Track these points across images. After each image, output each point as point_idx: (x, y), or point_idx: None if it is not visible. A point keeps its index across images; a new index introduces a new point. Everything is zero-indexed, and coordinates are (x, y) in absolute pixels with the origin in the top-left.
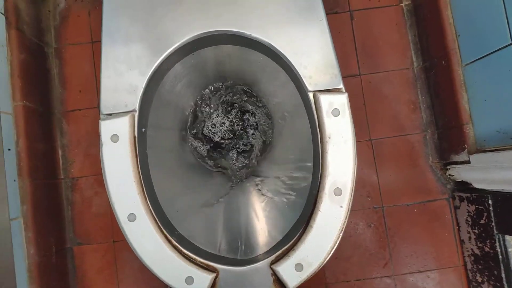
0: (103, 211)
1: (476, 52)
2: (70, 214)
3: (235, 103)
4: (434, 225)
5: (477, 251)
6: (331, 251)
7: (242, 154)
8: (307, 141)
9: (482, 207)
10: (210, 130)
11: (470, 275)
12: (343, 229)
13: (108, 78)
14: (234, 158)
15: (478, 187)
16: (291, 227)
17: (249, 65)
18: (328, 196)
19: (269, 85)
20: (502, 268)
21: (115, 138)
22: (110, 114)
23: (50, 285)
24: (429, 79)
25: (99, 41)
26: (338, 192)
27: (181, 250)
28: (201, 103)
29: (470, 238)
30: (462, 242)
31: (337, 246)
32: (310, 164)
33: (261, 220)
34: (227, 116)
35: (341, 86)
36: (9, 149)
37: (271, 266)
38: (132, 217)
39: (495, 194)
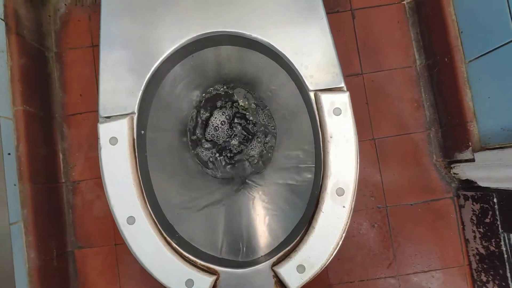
0: (104, 214)
1: (480, 48)
2: (71, 217)
3: (236, 105)
4: (438, 224)
5: (482, 250)
6: (333, 252)
7: (244, 155)
8: (308, 141)
9: (487, 205)
10: (213, 133)
11: (475, 274)
12: (346, 230)
13: (107, 80)
14: (235, 160)
15: (482, 186)
16: (293, 228)
17: (249, 66)
18: (330, 196)
19: (269, 85)
20: (507, 267)
21: (113, 140)
22: (109, 117)
23: None
24: (432, 77)
25: (99, 45)
26: (340, 192)
27: (181, 253)
28: (201, 104)
29: (475, 237)
30: (467, 241)
31: (340, 247)
32: (312, 164)
33: (263, 221)
34: (228, 118)
35: (343, 85)
36: (9, 154)
37: (273, 268)
38: (131, 220)
39: (500, 192)
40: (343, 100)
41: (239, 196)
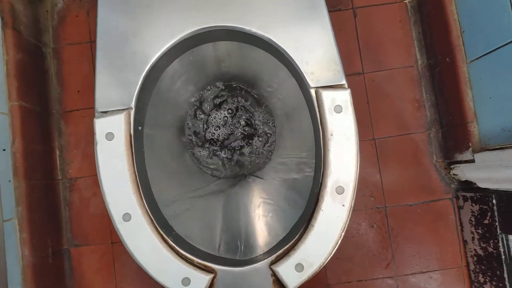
0: (101, 212)
1: (481, 48)
2: (68, 215)
3: (236, 102)
4: (437, 225)
5: (480, 252)
6: (332, 251)
7: (243, 153)
8: (309, 139)
9: (486, 206)
10: (212, 131)
11: (472, 275)
12: (345, 229)
13: (103, 74)
14: (234, 158)
15: (482, 187)
16: (292, 227)
17: (249, 62)
18: (330, 194)
19: (270, 82)
20: (505, 268)
21: (110, 136)
22: (105, 112)
23: (46, 287)
24: (434, 77)
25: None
26: (340, 190)
27: (177, 251)
28: (200, 101)
29: (473, 238)
30: (465, 242)
31: (339, 246)
32: (311, 162)
33: (261, 219)
34: (227, 116)
35: (344, 82)
36: (4, 150)
37: (271, 267)
38: (127, 217)
39: (499, 194)
40: (344, 97)
41: (237, 194)
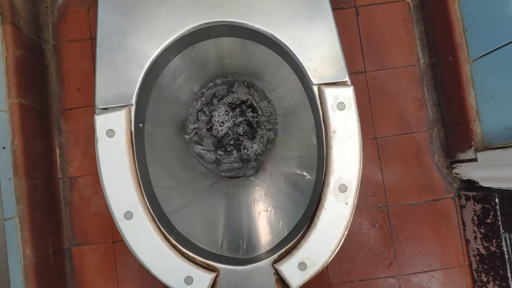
0: (102, 210)
1: (484, 47)
2: (68, 214)
3: (237, 99)
4: (439, 224)
5: (482, 251)
6: (335, 249)
7: (245, 151)
8: (311, 136)
9: (488, 206)
10: (213, 128)
11: (475, 275)
12: (348, 227)
13: (103, 71)
14: (237, 156)
15: (484, 186)
16: (295, 225)
17: (251, 58)
18: (333, 192)
19: (272, 79)
20: (508, 267)
21: (110, 133)
22: (106, 108)
23: (47, 286)
24: (436, 76)
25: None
26: (343, 188)
27: (180, 249)
28: (202, 98)
29: (475, 237)
30: (467, 241)
31: (342, 244)
32: (314, 159)
33: (264, 218)
34: (229, 113)
35: (347, 79)
36: (3, 147)
37: (274, 265)
38: (129, 215)
39: (502, 193)
40: (347, 94)
41: (239, 192)
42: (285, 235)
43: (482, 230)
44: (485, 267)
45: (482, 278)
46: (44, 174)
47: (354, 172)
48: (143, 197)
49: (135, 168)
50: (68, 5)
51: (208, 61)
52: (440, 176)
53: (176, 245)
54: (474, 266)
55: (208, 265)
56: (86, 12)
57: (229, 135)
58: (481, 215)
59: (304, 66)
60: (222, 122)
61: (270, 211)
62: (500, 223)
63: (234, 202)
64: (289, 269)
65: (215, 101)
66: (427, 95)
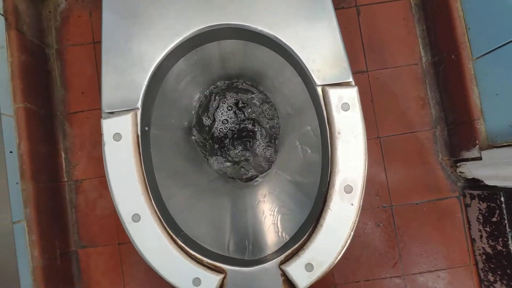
0: (108, 213)
1: (487, 45)
2: (75, 216)
3: (241, 100)
4: (444, 223)
5: (489, 250)
6: (342, 250)
7: (250, 152)
8: (315, 137)
9: (494, 204)
10: (218, 130)
11: (481, 274)
12: (354, 228)
13: (109, 75)
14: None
15: (489, 184)
16: (300, 226)
17: (254, 61)
18: (338, 193)
19: (275, 81)
20: None
21: (117, 137)
22: (112, 113)
23: None
24: (438, 74)
25: (100, 42)
26: (348, 189)
27: (187, 251)
28: (206, 100)
29: (481, 236)
30: (473, 240)
31: (348, 245)
32: (318, 161)
33: (269, 219)
34: (233, 114)
35: (351, 79)
36: (11, 152)
37: (281, 266)
38: (136, 218)
39: (508, 191)
40: (351, 95)
41: (244, 194)
42: (290, 236)
43: (488, 229)
44: (492, 266)
45: (489, 278)
46: (50, 178)
47: (359, 172)
48: (150, 200)
49: (142, 171)
50: (71, 10)
51: (211, 63)
52: (444, 175)
53: (183, 247)
54: (480, 265)
55: (216, 266)
56: (88, 16)
57: (232, 137)
58: (486, 214)
59: (308, 67)
60: (225, 125)
61: (275, 212)
62: (506, 221)
63: (239, 203)
64: (296, 270)
65: (218, 103)
66: (430, 94)
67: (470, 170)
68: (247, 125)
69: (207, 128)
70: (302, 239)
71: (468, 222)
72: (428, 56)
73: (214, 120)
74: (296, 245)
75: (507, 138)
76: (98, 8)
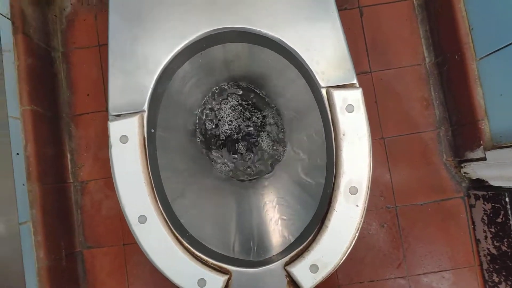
0: (113, 214)
1: (491, 45)
2: (80, 217)
3: (245, 103)
4: (448, 224)
5: (493, 251)
6: (347, 251)
7: (253, 154)
8: (319, 139)
9: (498, 205)
10: (222, 132)
11: (486, 275)
12: (359, 229)
13: (116, 78)
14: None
15: (494, 185)
16: (305, 227)
17: (258, 63)
18: (343, 195)
19: (279, 83)
20: None
21: (124, 139)
22: (119, 115)
23: None
24: (442, 75)
25: (106, 44)
26: (353, 190)
27: (192, 252)
28: (210, 102)
29: (486, 237)
30: (477, 241)
31: (353, 246)
32: (323, 162)
33: (274, 220)
34: (237, 116)
35: (355, 81)
36: (17, 154)
37: (285, 268)
38: (142, 219)
39: None
40: (355, 96)
41: (249, 195)
42: (295, 237)
43: (493, 230)
44: (497, 267)
45: (493, 278)
46: (56, 179)
47: (364, 174)
48: (156, 201)
49: (148, 173)
50: (76, 13)
51: (216, 66)
52: (449, 176)
53: (189, 248)
54: (485, 266)
55: (221, 267)
56: (94, 19)
57: (237, 138)
58: (491, 215)
59: (312, 69)
60: (229, 126)
61: (280, 213)
62: (511, 222)
63: (244, 204)
64: (301, 271)
65: (223, 105)
66: (433, 94)
67: (475, 170)
68: (251, 126)
69: (211, 130)
70: (307, 240)
71: (473, 223)
72: (431, 57)
73: (218, 122)
74: (301, 246)
75: None
76: (103, 11)
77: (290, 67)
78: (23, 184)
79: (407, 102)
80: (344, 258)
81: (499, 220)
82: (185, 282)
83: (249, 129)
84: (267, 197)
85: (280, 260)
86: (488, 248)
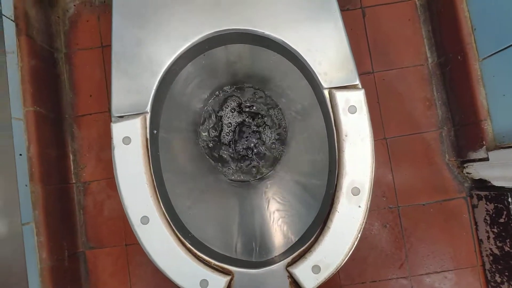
0: (115, 214)
1: (494, 45)
2: (83, 218)
3: (248, 104)
4: (451, 224)
5: (496, 251)
6: (349, 252)
7: (255, 155)
8: (322, 140)
9: (501, 205)
10: (225, 133)
11: (488, 275)
12: (362, 230)
13: (119, 80)
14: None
15: (497, 185)
16: (307, 228)
17: (260, 64)
18: (346, 196)
19: (281, 84)
20: None
21: (127, 140)
22: (122, 117)
23: None
24: (445, 75)
25: (109, 46)
26: (356, 191)
27: (195, 253)
28: (213, 104)
29: (488, 237)
30: (480, 241)
31: (355, 247)
32: (325, 163)
33: (276, 221)
34: (240, 117)
35: (358, 82)
36: (20, 155)
37: (287, 268)
38: (145, 220)
39: None
40: (358, 97)
41: (251, 196)
42: (297, 238)
43: (495, 230)
44: (499, 267)
45: (496, 279)
46: (58, 180)
47: (366, 175)
48: (159, 202)
49: (151, 174)
50: (79, 14)
51: (218, 67)
52: (451, 176)
53: (191, 249)
54: (488, 266)
55: (223, 268)
56: (97, 20)
57: (239, 139)
58: (494, 215)
59: (314, 70)
60: (232, 128)
61: (283, 214)
62: None
63: (246, 205)
64: (303, 272)
65: (225, 106)
66: (436, 95)
67: (477, 170)
68: (253, 128)
69: (214, 131)
70: (309, 241)
71: (475, 223)
72: (434, 57)
73: (221, 123)
74: (303, 247)
75: None
76: (106, 12)
77: (293, 68)
78: (26, 185)
79: (409, 102)
80: (346, 259)
81: (501, 220)
82: (187, 283)
83: (251, 130)
84: (269, 198)
85: (282, 261)
86: (490, 248)
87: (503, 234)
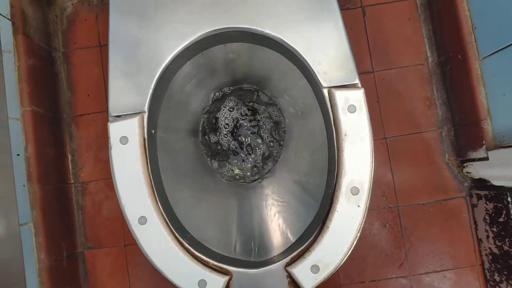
0: (114, 215)
1: (494, 44)
2: (81, 218)
3: (247, 103)
4: (450, 224)
5: (495, 250)
6: (348, 251)
7: (254, 155)
8: (321, 140)
9: (501, 204)
10: (223, 133)
11: (487, 274)
12: (361, 230)
13: (116, 79)
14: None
15: (496, 184)
16: (306, 228)
17: (260, 63)
18: (345, 195)
19: (280, 83)
20: None
21: (124, 140)
22: (119, 116)
23: None
24: (445, 74)
25: (106, 45)
26: (355, 191)
27: (193, 253)
28: (212, 103)
29: (488, 236)
30: (479, 241)
31: (354, 246)
32: (324, 163)
33: (275, 221)
34: (239, 116)
35: (357, 81)
36: (18, 155)
37: (286, 268)
38: (143, 220)
39: None
40: (357, 97)
41: (250, 196)
42: (296, 238)
43: (495, 229)
44: (498, 266)
45: (495, 278)
46: (56, 180)
47: (366, 174)
48: (157, 202)
49: (149, 174)
50: (77, 13)
51: (217, 66)
52: (451, 175)
53: (189, 249)
54: (487, 265)
55: (221, 268)
56: (95, 19)
57: (238, 139)
58: (493, 214)
59: (314, 69)
60: (231, 127)
61: (281, 214)
62: None
63: (245, 205)
64: (302, 272)
65: (224, 105)
66: (436, 94)
67: (477, 170)
68: (253, 127)
69: (212, 130)
70: (308, 241)
71: (475, 222)
72: (434, 56)
73: (219, 122)
74: (302, 247)
75: None
76: (104, 11)
77: (292, 67)
78: (24, 185)
79: (409, 102)
80: (345, 259)
81: (501, 219)
82: (185, 283)
83: (250, 130)
84: (268, 198)
85: (281, 261)
86: (490, 248)
87: (503, 233)
